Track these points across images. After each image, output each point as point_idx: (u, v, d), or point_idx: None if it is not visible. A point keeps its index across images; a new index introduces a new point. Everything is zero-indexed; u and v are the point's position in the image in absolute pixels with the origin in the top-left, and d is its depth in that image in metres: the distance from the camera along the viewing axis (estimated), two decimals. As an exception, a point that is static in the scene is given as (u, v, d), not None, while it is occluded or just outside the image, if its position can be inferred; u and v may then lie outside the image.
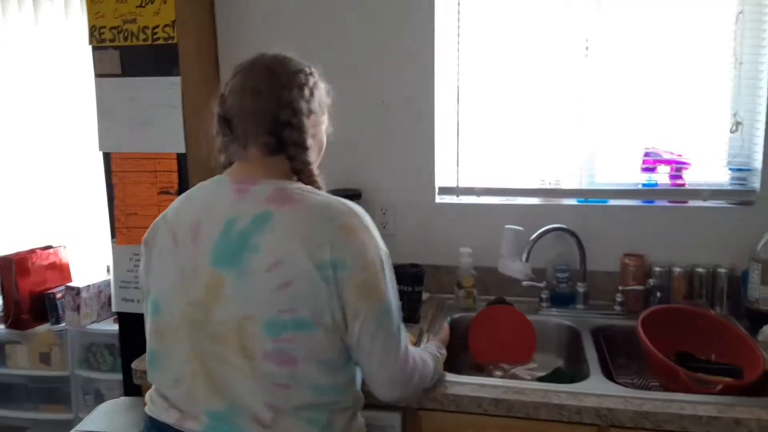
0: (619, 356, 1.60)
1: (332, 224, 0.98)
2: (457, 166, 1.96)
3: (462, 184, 1.96)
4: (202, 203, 1.05)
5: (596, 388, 1.30)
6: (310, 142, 1.07)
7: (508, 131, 1.93)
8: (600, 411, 1.22)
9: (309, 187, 1.06)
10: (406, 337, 1.07)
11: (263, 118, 1.04)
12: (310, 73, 1.10)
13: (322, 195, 1.04)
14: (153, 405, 1.08)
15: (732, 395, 1.25)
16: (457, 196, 1.97)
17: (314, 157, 1.11)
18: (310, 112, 1.08)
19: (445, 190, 1.97)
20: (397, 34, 1.89)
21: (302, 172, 1.06)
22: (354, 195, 1.91)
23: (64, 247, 2.52)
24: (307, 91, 1.07)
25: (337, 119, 1.19)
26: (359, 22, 1.91)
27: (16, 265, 2.32)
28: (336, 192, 1.84)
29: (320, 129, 1.14)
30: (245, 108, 1.05)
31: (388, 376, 1.04)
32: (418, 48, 1.88)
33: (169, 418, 1.04)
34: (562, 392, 1.29)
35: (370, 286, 0.99)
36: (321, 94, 1.12)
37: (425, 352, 1.22)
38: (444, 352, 1.34)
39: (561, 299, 1.78)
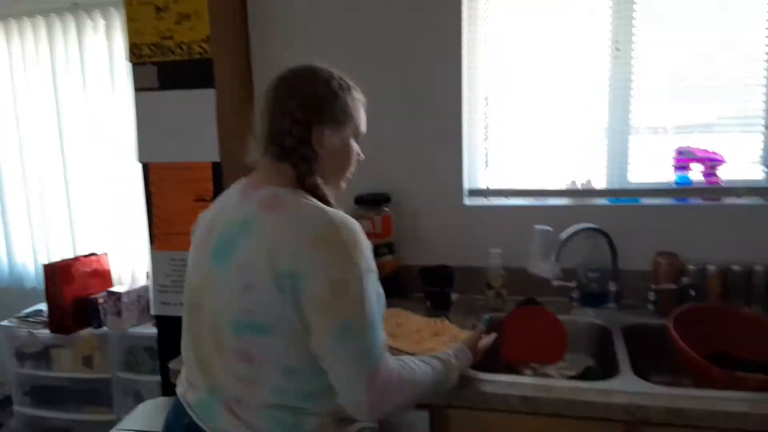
0: (652, 356, 1.57)
1: (303, 234, 0.97)
2: (486, 167, 1.98)
3: (491, 186, 1.98)
4: (220, 204, 1.14)
5: (626, 386, 1.29)
6: (313, 151, 1.07)
7: (537, 132, 1.94)
8: (629, 408, 1.21)
9: (309, 197, 1.05)
10: (376, 357, 1.00)
11: (269, 126, 1.09)
12: (325, 82, 1.09)
13: (315, 205, 1.02)
14: (178, 380, 1.18)
15: (766, 392, 1.22)
16: (486, 198, 1.98)
17: (325, 168, 1.10)
18: (315, 121, 1.07)
19: (474, 192, 1.99)
20: (424, 38, 1.92)
21: (305, 181, 1.06)
22: (383, 199, 1.94)
23: (106, 254, 2.62)
24: (311, 101, 1.07)
25: (367, 124, 1.19)
26: (388, 27, 1.95)
27: (61, 271, 2.43)
28: (364, 196, 1.91)
29: (336, 139, 1.10)
30: (261, 116, 1.11)
31: (352, 396, 1.00)
32: (446, 51, 1.90)
33: (180, 388, 1.14)
34: (591, 389, 1.28)
35: (328, 303, 0.96)
36: (341, 104, 1.10)
37: (427, 362, 1.15)
38: (464, 356, 1.27)
39: (592, 299, 1.76)
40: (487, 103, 1.95)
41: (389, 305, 1.60)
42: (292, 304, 0.97)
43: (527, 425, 1.29)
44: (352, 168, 1.18)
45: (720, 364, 1.36)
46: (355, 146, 1.16)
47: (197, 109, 1.90)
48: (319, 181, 1.08)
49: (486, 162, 1.98)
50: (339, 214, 1.02)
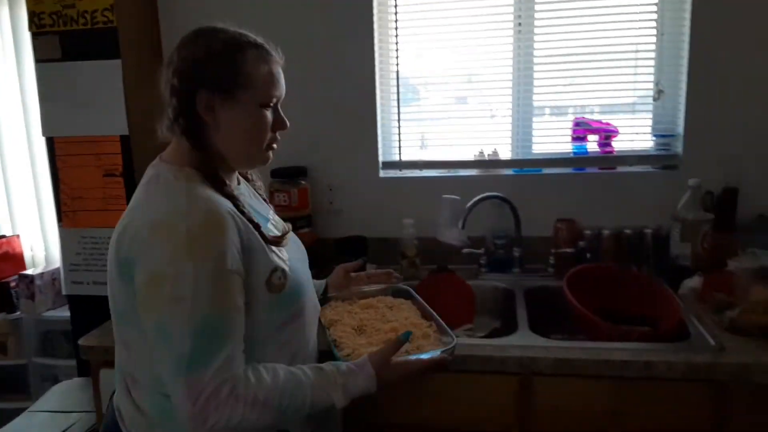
0: (552, 315, 1.66)
1: (145, 221, 0.91)
2: (399, 141, 2.02)
3: (404, 158, 2.03)
4: None
5: (521, 341, 1.38)
6: (202, 122, 0.97)
7: (448, 106, 2.00)
8: (522, 360, 1.30)
9: (192, 177, 0.96)
10: (198, 367, 0.87)
11: (164, 96, 1.00)
12: (210, 43, 0.96)
13: (172, 190, 0.93)
14: None
15: (648, 342, 1.34)
16: (400, 170, 2.03)
17: (225, 140, 0.99)
18: (197, 87, 0.95)
19: (388, 165, 2.03)
20: (338, 13, 1.92)
21: (194, 156, 0.98)
22: (300, 172, 1.95)
23: (17, 236, 2.51)
24: (191, 66, 0.95)
25: (284, 99, 1.09)
26: (302, 3, 1.94)
27: (-32, 255, 2.33)
28: (281, 169, 1.92)
29: (230, 106, 0.97)
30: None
31: (174, 402, 0.89)
32: (358, 26, 1.92)
33: None
34: (488, 345, 1.36)
35: (143, 296, 0.90)
36: (232, 66, 0.96)
37: (301, 378, 0.96)
38: (363, 373, 1.01)
39: (499, 264, 1.86)
40: (399, 77, 1.98)
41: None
42: (133, 293, 0.91)
43: (433, 383, 1.35)
44: (267, 136, 1.02)
45: (609, 319, 1.47)
46: (265, 113, 1.00)
47: (103, 80, 1.85)
48: (204, 156, 0.97)
49: (399, 135, 2.02)
50: (196, 202, 0.92)
